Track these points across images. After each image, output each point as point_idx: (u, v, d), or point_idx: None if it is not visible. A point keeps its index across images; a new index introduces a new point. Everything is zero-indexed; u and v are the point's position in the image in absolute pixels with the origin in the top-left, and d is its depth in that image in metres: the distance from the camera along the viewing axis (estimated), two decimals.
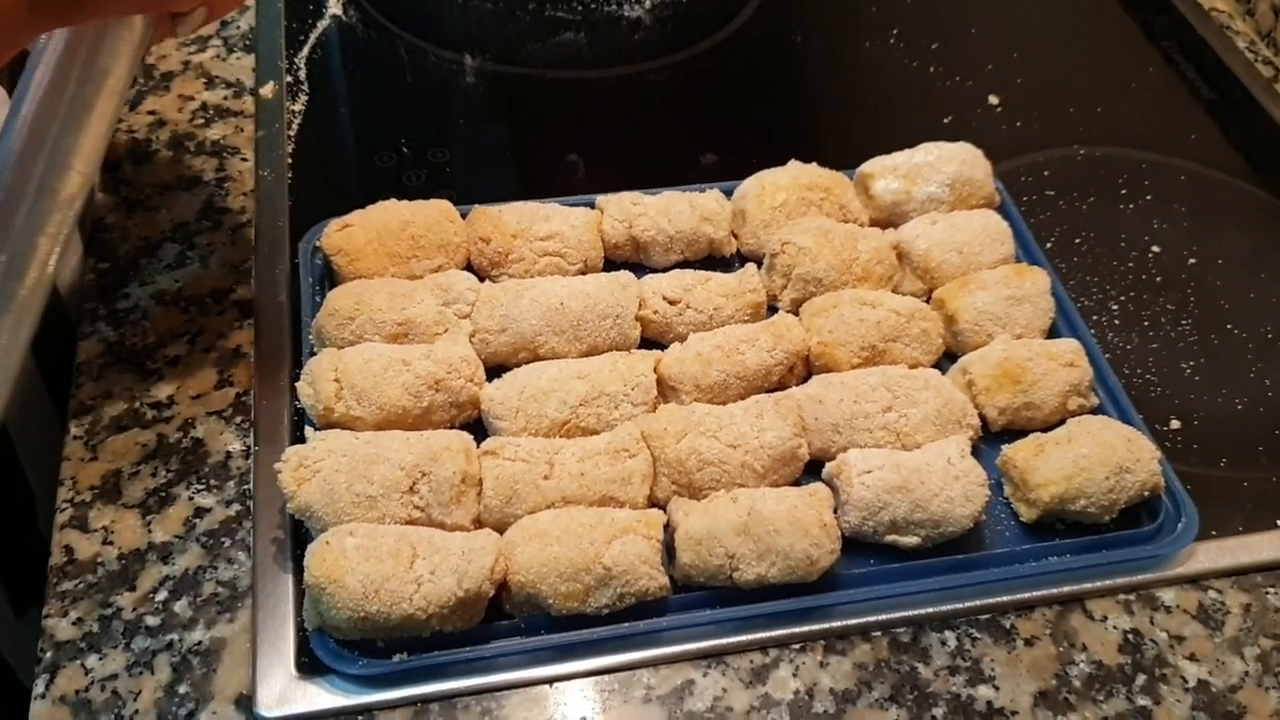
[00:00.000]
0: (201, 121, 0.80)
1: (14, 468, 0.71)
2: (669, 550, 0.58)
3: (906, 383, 0.63)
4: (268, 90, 0.82)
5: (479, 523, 0.58)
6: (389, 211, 0.69)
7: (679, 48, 0.90)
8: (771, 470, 0.60)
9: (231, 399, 0.65)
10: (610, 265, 0.71)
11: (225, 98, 0.82)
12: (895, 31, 0.93)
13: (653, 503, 0.60)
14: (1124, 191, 0.81)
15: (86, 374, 0.66)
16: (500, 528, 0.57)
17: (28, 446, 0.71)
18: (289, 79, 0.84)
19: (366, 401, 0.60)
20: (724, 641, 0.57)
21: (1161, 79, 0.91)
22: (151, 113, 0.81)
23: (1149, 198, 0.81)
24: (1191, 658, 0.59)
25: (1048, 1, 0.99)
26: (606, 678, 0.56)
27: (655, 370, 0.64)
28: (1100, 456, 0.61)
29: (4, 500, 0.71)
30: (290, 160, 0.78)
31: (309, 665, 0.55)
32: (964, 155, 0.75)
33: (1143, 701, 0.57)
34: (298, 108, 0.82)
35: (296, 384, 0.62)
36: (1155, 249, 0.77)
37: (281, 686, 0.54)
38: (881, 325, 0.66)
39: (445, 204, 0.70)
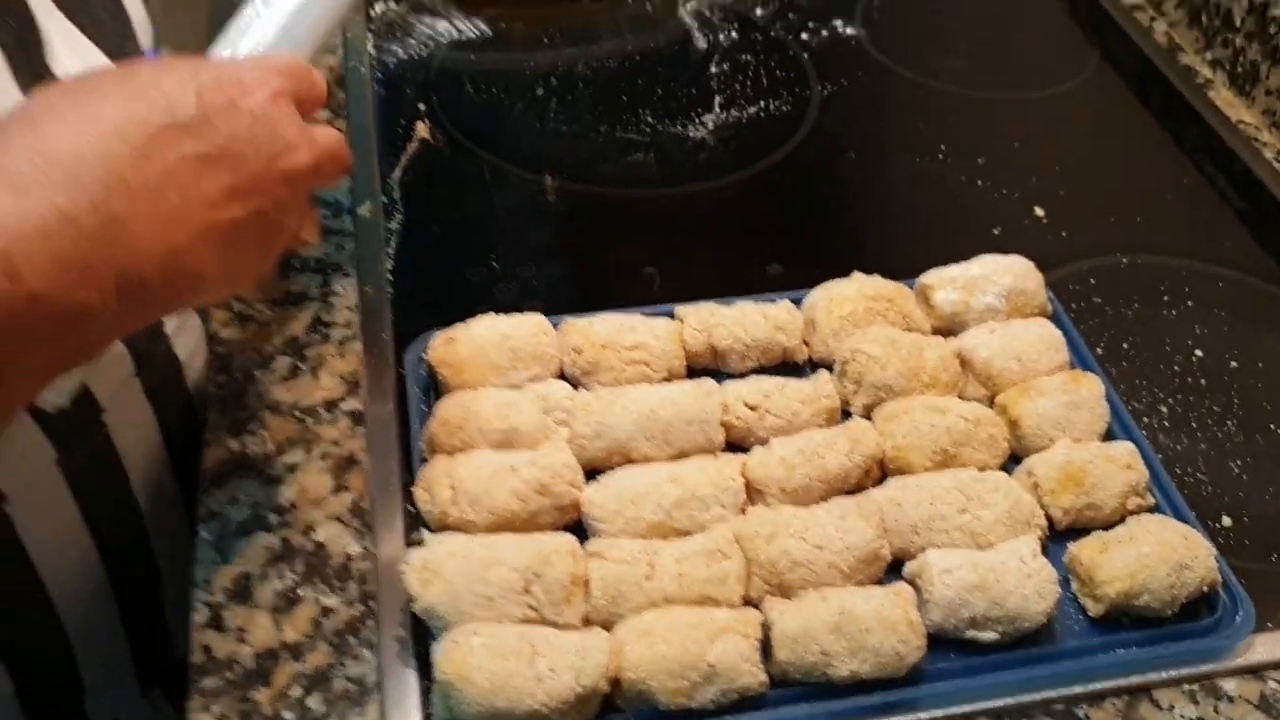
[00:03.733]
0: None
1: (146, 551, 0.76)
2: (764, 647, 0.62)
3: (978, 485, 0.68)
4: (365, 210, 0.88)
5: (587, 621, 0.63)
6: (489, 326, 0.74)
7: (741, 166, 0.96)
8: (857, 570, 0.65)
9: (348, 504, 0.70)
10: (691, 371, 0.76)
11: (326, 217, 0.88)
12: (942, 148, 0.99)
13: (746, 601, 0.64)
14: (1166, 298, 0.86)
15: (212, 480, 0.71)
16: (606, 625, 0.62)
17: (159, 532, 0.76)
18: (384, 199, 0.90)
19: (479, 506, 0.65)
20: None
21: (1195, 189, 0.97)
22: None
23: (1190, 303, 0.86)
24: None
25: (1083, 116, 1.05)
26: None
27: (742, 474, 0.69)
28: (1161, 554, 0.65)
29: (136, 582, 0.76)
30: (390, 276, 0.84)
31: None
32: (1018, 268, 0.80)
33: None
34: (394, 226, 0.88)
35: (412, 489, 0.67)
36: (1198, 353, 0.82)
37: None
38: (951, 430, 0.71)
39: (540, 318, 0.75)
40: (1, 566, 0.66)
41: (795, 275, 0.84)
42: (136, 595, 0.77)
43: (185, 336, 0.76)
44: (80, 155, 0.46)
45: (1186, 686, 0.65)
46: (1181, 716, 0.63)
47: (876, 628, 0.61)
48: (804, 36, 1.10)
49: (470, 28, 1.09)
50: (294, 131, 0.54)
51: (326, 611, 0.65)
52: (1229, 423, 0.78)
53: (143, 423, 0.73)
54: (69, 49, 0.61)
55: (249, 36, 0.61)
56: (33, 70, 0.58)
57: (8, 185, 0.44)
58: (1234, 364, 0.82)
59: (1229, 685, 0.65)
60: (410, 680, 0.62)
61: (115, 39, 0.65)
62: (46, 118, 0.47)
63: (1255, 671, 0.65)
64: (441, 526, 0.66)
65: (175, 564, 0.80)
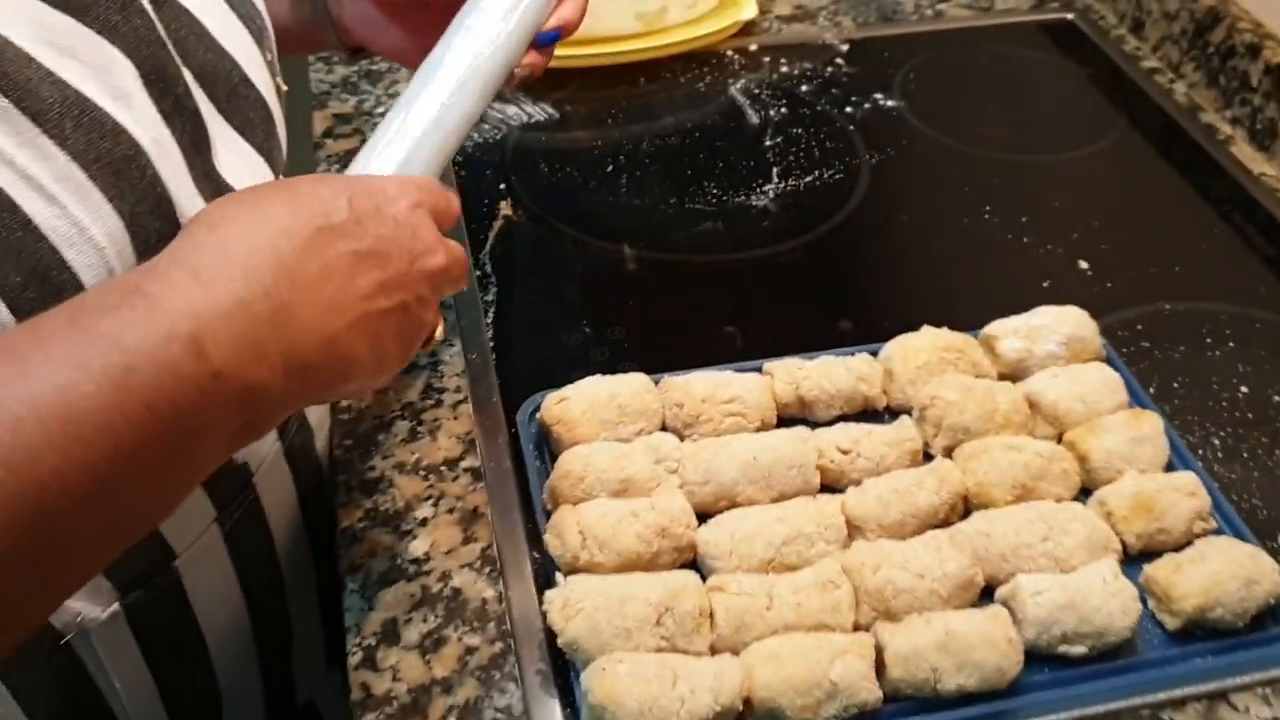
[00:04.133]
0: None
1: (284, 608, 0.82)
2: (877, 667, 0.68)
3: (1058, 515, 0.75)
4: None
5: (713, 649, 0.69)
6: (597, 385, 0.81)
7: (803, 231, 1.04)
8: (954, 596, 0.71)
9: (478, 553, 0.77)
10: (780, 420, 0.83)
11: None
12: (988, 209, 1.06)
13: (856, 626, 0.70)
14: (1209, 340, 0.93)
15: (351, 536, 0.78)
16: (732, 651, 0.68)
17: (295, 590, 0.82)
18: (478, 272, 0.97)
19: (607, 549, 0.72)
20: None
21: (1224, 237, 1.04)
22: None
23: (1231, 345, 0.93)
24: None
25: (1115, 175, 1.13)
26: None
27: (842, 512, 0.75)
28: (1231, 571, 0.71)
29: (274, 637, 0.81)
30: (492, 343, 0.91)
31: None
32: (1075, 317, 0.87)
33: None
34: (489, 297, 0.95)
35: (543, 536, 0.73)
36: (1243, 389, 0.89)
37: None
38: (1028, 466, 0.77)
39: (643, 377, 0.82)
40: (171, 620, 0.71)
41: (865, 329, 0.91)
42: (273, 650, 0.82)
43: (315, 406, 0.83)
44: (253, 251, 0.52)
45: (1260, 690, 0.70)
46: (1257, 716, 0.69)
47: (980, 644, 0.67)
48: (848, 110, 1.18)
49: (538, 111, 1.17)
50: (431, 236, 0.61)
51: (470, 650, 0.71)
52: (1277, 451, 0.84)
53: (284, 485, 0.79)
54: (228, 150, 0.67)
55: (382, 156, 0.68)
56: (203, 169, 0.64)
57: (195, 278, 0.50)
58: (1277, 398, 0.88)
59: None
60: (554, 709, 0.68)
61: (264, 140, 0.71)
62: (224, 222, 0.53)
63: None
64: (571, 570, 0.72)
65: (305, 621, 0.86)
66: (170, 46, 0.61)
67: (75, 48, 0.55)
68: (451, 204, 0.66)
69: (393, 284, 0.58)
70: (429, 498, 0.80)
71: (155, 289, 0.49)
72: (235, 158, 0.67)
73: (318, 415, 0.83)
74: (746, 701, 0.66)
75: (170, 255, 0.51)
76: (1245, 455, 0.84)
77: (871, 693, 0.66)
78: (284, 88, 0.76)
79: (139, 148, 0.57)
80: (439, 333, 0.68)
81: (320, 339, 0.54)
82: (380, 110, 1.16)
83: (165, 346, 0.47)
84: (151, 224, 0.57)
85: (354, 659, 0.71)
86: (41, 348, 0.46)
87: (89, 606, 0.65)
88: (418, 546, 0.77)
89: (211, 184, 0.64)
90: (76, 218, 0.53)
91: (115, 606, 0.66)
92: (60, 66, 0.54)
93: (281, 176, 0.73)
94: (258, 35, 0.71)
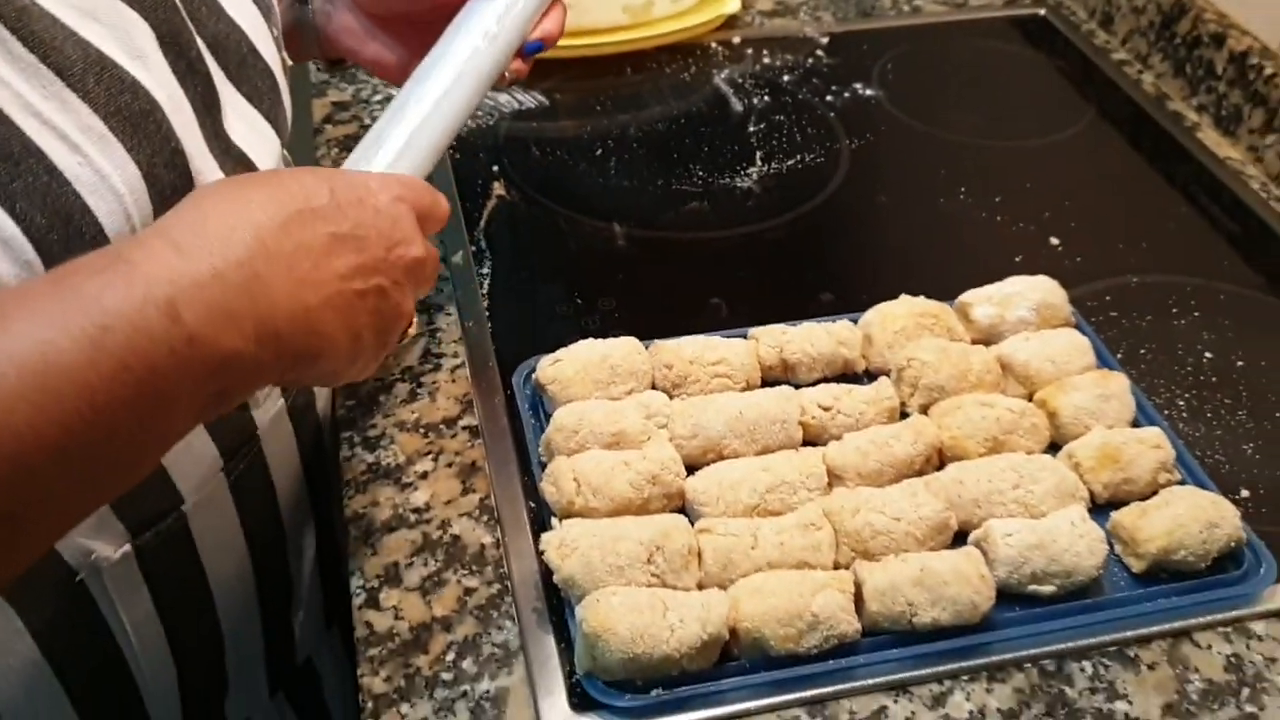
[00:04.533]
0: None
1: (284, 563, 0.85)
2: (856, 604, 0.71)
3: (1028, 465, 0.78)
4: (459, 258, 0.99)
5: (701, 586, 0.72)
6: (590, 348, 0.85)
7: (786, 210, 1.08)
8: (929, 537, 0.75)
9: (476, 503, 0.80)
10: (765, 382, 0.87)
11: None
12: (962, 190, 1.11)
13: (836, 565, 0.74)
14: (1174, 310, 0.97)
15: (354, 488, 0.81)
16: (719, 588, 0.71)
17: (295, 546, 0.85)
18: (473, 248, 1.01)
19: (600, 495, 0.75)
20: (907, 675, 0.70)
21: (1190, 217, 1.09)
22: None
23: (1196, 314, 0.97)
24: None
25: (1085, 159, 1.17)
26: (817, 705, 0.69)
27: (823, 462, 0.79)
28: (1193, 515, 0.75)
29: (275, 590, 0.84)
30: (487, 313, 0.94)
31: (579, 704, 0.68)
32: (1045, 285, 0.91)
33: (1250, 709, 0.70)
34: (484, 271, 0.99)
35: (541, 485, 0.77)
36: (1208, 355, 0.93)
37: None
38: (1000, 421, 0.81)
39: (634, 340, 0.85)
40: (179, 567, 0.74)
41: (845, 301, 0.95)
42: (274, 603, 0.85)
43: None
44: (233, 227, 0.54)
45: (1221, 629, 0.74)
46: (1219, 653, 0.73)
47: (953, 580, 0.70)
48: (829, 98, 1.23)
49: (529, 99, 1.21)
50: (410, 228, 0.63)
51: (469, 591, 0.75)
52: (1240, 412, 0.88)
53: (286, 442, 0.82)
54: (237, 114, 0.70)
55: (372, 158, 0.72)
56: (214, 129, 0.67)
57: (175, 249, 0.52)
58: (1240, 363, 0.92)
59: (1258, 627, 0.74)
60: (549, 644, 0.71)
61: (270, 107, 0.74)
62: (208, 200, 0.56)
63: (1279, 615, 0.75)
64: (566, 515, 0.75)
65: (305, 580, 0.89)
66: (184, 14, 0.65)
67: (96, 10, 0.58)
68: (438, 205, 0.68)
69: (369, 267, 0.60)
70: (429, 453, 0.83)
71: (137, 256, 0.51)
72: (243, 123, 0.71)
73: None
74: (733, 632, 0.69)
75: (155, 228, 0.54)
76: (1209, 415, 0.88)
77: (851, 624, 0.70)
78: (289, 61, 0.80)
79: (155, 103, 0.60)
80: (413, 327, 0.70)
81: (293, 311, 0.55)
82: (378, 99, 1.20)
83: (141, 309, 0.49)
84: (166, 176, 0.60)
85: (358, 600, 0.74)
86: (26, 306, 0.48)
87: (102, 545, 0.68)
88: (418, 497, 0.80)
89: (221, 144, 0.67)
90: (99, 165, 0.56)
91: (127, 547, 0.69)
92: (82, 27, 0.57)
93: (285, 148, 0.77)
94: (265, 12, 0.74)
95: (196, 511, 0.73)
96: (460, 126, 0.77)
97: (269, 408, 0.78)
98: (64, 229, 0.55)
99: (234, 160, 0.68)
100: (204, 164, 0.64)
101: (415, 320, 0.68)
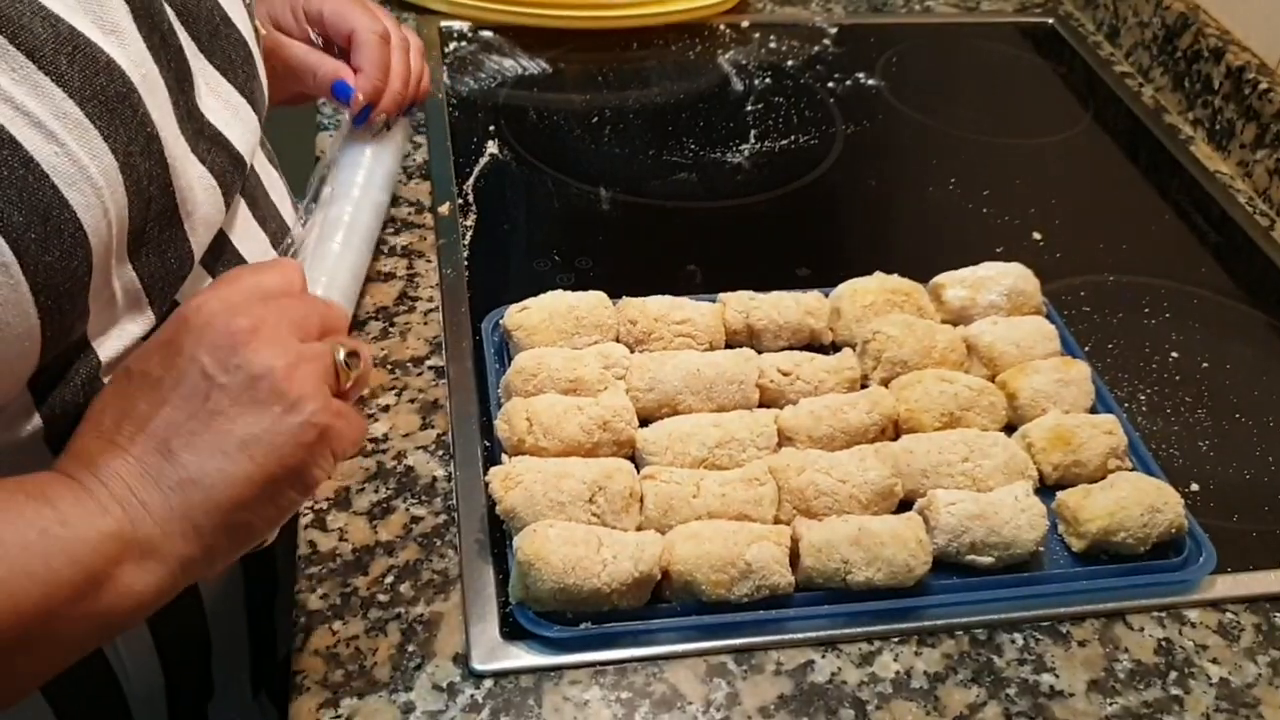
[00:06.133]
0: (392, 231, 0.98)
1: (271, 556, 0.81)
2: (792, 560, 0.72)
3: (980, 440, 0.79)
4: (444, 209, 1.00)
5: (640, 529, 0.73)
6: (558, 298, 0.86)
7: (773, 187, 1.09)
8: (873, 503, 0.75)
9: (434, 438, 0.81)
10: (729, 347, 0.87)
11: (409, 214, 1.00)
12: (952, 180, 1.12)
13: (777, 521, 0.75)
14: (1147, 310, 0.98)
15: None
16: (658, 532, 0.72)
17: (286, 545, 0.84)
18: (460, 201, 1.02)
19: (550, 436, 0.76)
20: (837, 632, 0.71)
21: (1175, 226, 1.09)
22: None
23: (1168, 315, 0.97)
24: (1214, 661, 0.72)
25: (1076, 162, 1.18)
26: (745, 654, 0.70)
27: (775, 423, 0.80)
28: (1136, 498, 0.75)
29: (261, 586, 0.83)
30: (466, 263, 0.95)
31: (510, 633, 0.69)
32: (1018, 272, 0.92)
33: (1175, 691, 0.70)
34: (468, 223, 1.00)
35: (495, 423, 0.78)
36: (1174, 354, 0.93)
37: (490, 648, 0.68)
38: (958, 397, 0.82)
39: (601, 294, 0.87)
40: None
41: (822, 277, 0.95)
42: (259, 599, 0.83)
43: None
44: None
45: (1155, 613, 0.75)
46: (1150, 635, 0.73)
47: (890, 542, 0.71)
48: (830, 85, 1.24)
49: (534, 65, 1.23)
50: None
51: (415, 519, 0.76)
52: (1199, 411, 0.89)
53: None
54: (210, 89, 0.67)
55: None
56: (187, 108, 0.63)
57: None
58: (1205, 364, 0.93)
59: (1192, 614, 0.75)
60: (488, 573, 0.72)
61: (245, 80, 0.71)
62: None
63: (1215, 604, 0.75)
64: (516, 452, 0.76)
65: (288, 572, 0.88)
66: None
67: None
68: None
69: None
70: (393, 389, 0.85)
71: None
72: (217, 99, 0.68)
73: None
74: (666, 575, 0.70)
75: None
76: (1168, 411, 0.89)
77: (784, 577, 0.70)
78: (263, 31, 0.78)
79: (131, 85, 0.56)
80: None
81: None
82: None
83: None
84: (142, 165, 0.57)
85: (304, 519, 0.75)
86: None
87: None
88: (377, 428, 0.82)
89: (194, 124, 0.64)
90: (76, 155, 0.53)
91: None
92: (51, 0, 0.54)
93: (261, 120, 0.74)
94: None
95: None
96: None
97: None
98: (41, 226, 0.52)
99: (208, 141, 0.65)
100: (177, 149, 0.61)
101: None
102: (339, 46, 0.90)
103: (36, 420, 0.59)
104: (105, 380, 0.60)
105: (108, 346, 0.61)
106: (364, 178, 0.88)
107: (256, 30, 0.75)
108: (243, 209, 0.73)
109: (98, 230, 0.54)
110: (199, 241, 0.65)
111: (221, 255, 0.70)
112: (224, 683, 0.83)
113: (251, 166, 0.73)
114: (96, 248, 0.55)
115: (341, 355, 0.58)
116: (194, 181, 0.63)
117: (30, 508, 0.51)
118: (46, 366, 0.57)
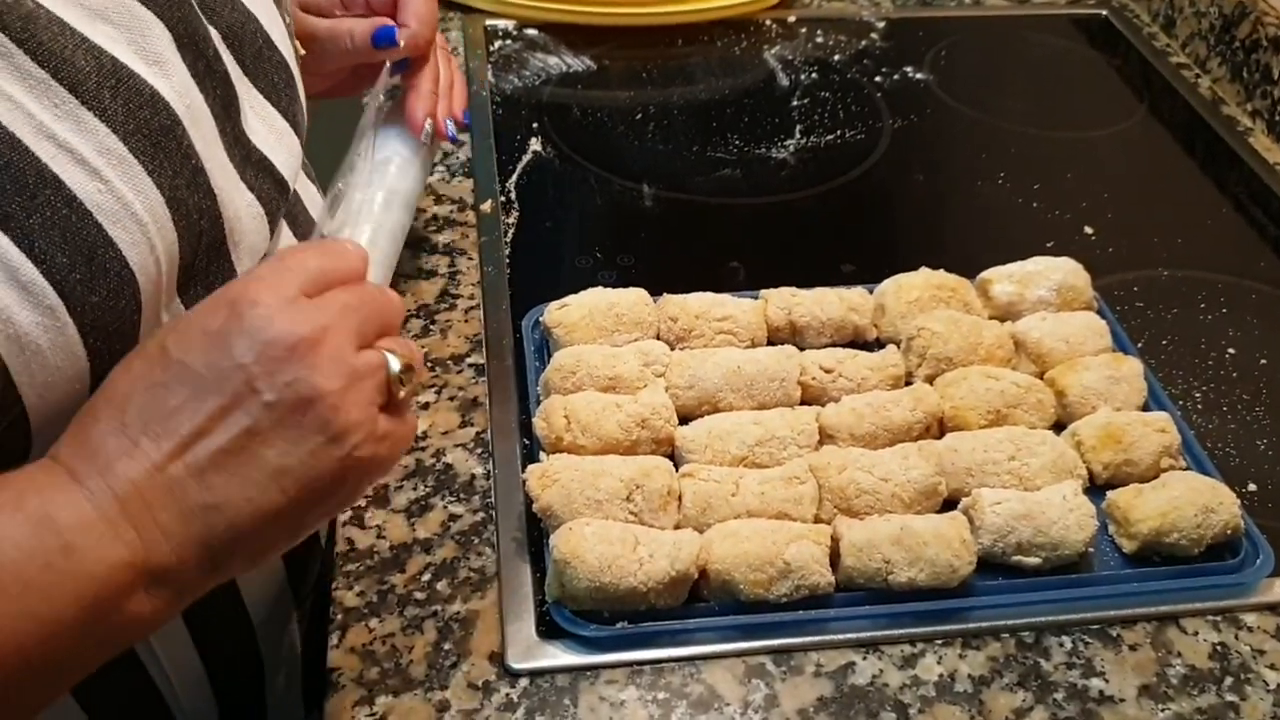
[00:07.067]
0: (434, 229, 0.98)
1: (316, 566, 0.82)
2: (833, 560, 0.71)
3: (1027, 438, 0.77)
4: (487, 206, 1.00)
5: (678, 528, 0.72)
6: (598, 295, 0.85)
7: (819, 182, 1.07)
8: (916, 501, 0.74)
9: (473, 436, 0.81)
10: (771, 344, 0.86)
11: (451, 211, 1.00)
12: (1002, 175, 1.09)
13: (817, 520, 0.73)
14: (1203, 305, 0.95)
15: None
16: (696, 532, 0.71)
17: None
18: (503, 199, 1.02)
19: (589, 434, 0.75)
20: (879, 633, 0.70)
21: (1232, 219, 1.06)
22: None
23: (1224, 310, 0.95)
24: (1272, 667, 0.70)
25: (1131, 156, 1.15)
26: (784, 655, 0.69)
27: (817, 421, 0.78)
28: (1190, 498, 0.73)
29: (311, 598, 0.82)
30: (508, 260, 0.95)
31: (546, 632, 0.68)
32: (1068, 267, 0.90)
33: (1231, 698, 0.68)
34: (510, 220, 1.00)
35: (533, 420, 0.77)
36: (1231, 351, 0.91)
37: (526, 646, 0.68)
38: (1005, 394, 0.80)
39: (642, 291, 0.86)
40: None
41: (866, 273, 0.94)
42: (309, 612, 0.82)
43: None
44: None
45: (1210, 617, 0.72)
46: (1205, 640, 0.71)
47: (934, 542, 0.70)
48: (878, 79, 1.22)
49: (578, 63, 1.22)
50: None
51: (454, 517, 0.76)
52: (1257, 409, 0.86)
53: None
54: (255, 113, 0.66)
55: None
56: (234, 134, 0.63)
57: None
58: (1263, 361, 0.90)
59: (1249, 618, 0.72)
60: (525, 571, 0.72)
61: (288, 104, 0.70)
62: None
63: (1273, 607, 0.73)
64: (554, 450, 0.76)
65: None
66: (195, 5, 0.60)
67: (107, 10, 0.54)
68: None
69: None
70: (433, 386, 0.85)
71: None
72: (262, 122, 0.67)
73: None
74: (704, 574, 0.69)
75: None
76: (1224, 409, 0.86)
77: (824, 577, 0.69)
78: (302, 51, 0.77)
79: (175, 117, 0.55)
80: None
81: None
82: None
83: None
84: (190, 198, 0.56)
85: (343, 517, 0.75)
86: None
87: None
88: (417, 426, 0.81)
89: (241, 150, 0.63)
90: (120, 192, 0.52)
91: None
92: (93, 31, 0.53)
93: (303, 143, 0.73)
94: None
95: None
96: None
97: None
98: (86, 266, 0.50)
99: (255, 167, 0.65)
100: (225, 179, 0.60)
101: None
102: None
103: None
104: None
105: None
106: (398, 156, 0.85)
107: (296, 50, 0.74)
108: (285, 230, 0.72)
109: (145, 268, 0.53)
110: (244, 270, 0.63)
111: None
112: (276, 704, 0.81)
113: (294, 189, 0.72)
114: (145, 285, 0.54)
115: (396, 368, 0.55)
116: (241, 210, 0.62)
117: (31, 534, 0.47)
118: None
